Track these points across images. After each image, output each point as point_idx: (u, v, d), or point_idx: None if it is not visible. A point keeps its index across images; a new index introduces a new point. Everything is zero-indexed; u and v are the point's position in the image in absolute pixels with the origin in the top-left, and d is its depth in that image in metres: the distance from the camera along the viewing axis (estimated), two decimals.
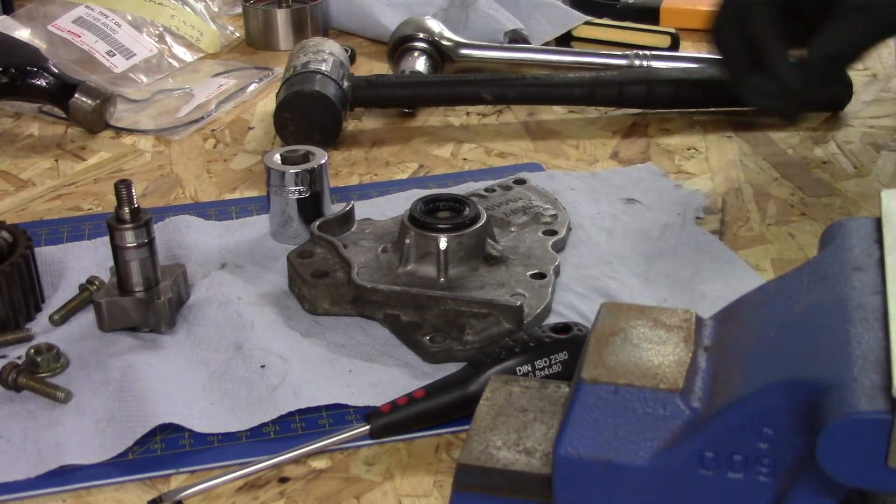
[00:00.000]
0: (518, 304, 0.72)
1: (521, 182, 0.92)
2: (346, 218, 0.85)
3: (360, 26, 1.39)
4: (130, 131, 1.12)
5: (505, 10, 1.33)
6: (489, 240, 0.79)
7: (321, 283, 0.77)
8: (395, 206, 0.92)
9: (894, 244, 0.48)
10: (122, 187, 0.73)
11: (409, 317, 0.74)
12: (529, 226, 0.85)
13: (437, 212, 0.80)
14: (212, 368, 0.72)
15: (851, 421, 0.40)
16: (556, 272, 0.80)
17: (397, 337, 0.75)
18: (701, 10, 1.38)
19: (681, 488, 0.47)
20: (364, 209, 0.90)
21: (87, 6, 1.31)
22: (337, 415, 0.68)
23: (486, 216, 0.79)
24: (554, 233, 0.84)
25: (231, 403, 0.69)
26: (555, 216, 0.87)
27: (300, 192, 0.85)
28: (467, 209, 0.79)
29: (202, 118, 1.14)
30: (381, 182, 0.99)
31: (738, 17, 0.88)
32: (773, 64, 0.86)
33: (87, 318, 0.78)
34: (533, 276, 0.78)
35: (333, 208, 0.88)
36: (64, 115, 1.11)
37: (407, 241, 0.78)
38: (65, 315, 0.78)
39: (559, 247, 0.83)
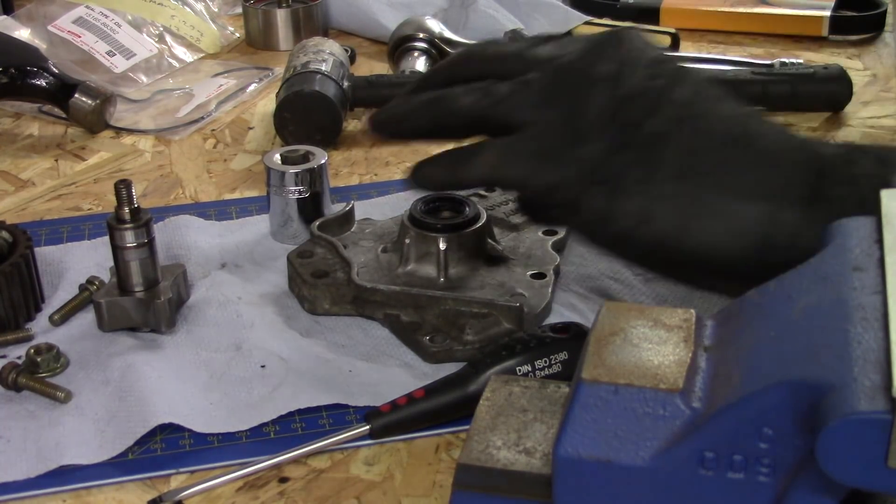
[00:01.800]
0: (518, 304, 0.72)
1: None
2: (346, 218, 0.85)
3: (360, 26, 1.39)
4: (130, 131, 1.12)
5: (505, 10, 1.33)
6: (489, 240, 0.79)
7: (321, 283, 0.77)
8: (395, 206, 0.92)
9: (894, 244, 0.48)
10: (122, 187, 0.73)
11: (409, 317, 0.74)
12: (529, 226, 0.85)
13: (437, 212, 0.80)
14: (212, 368, 0.72)
15: (851, 421, 0.40)
16: (556, 272, 0.80)
17: (397, 337, 0.75)
18: (701, 10, 1.39)
19: (681, 488, 0.47)
20: (364, 209, 0.90)
21: (87, 6, 1.31)
22: (337, 415, 0.68)
23: (486, 216, 0.79)
24: (554, 233, 0.84)
25: (231, 403, 0.69)
26: None
27: (300, 192, 0.85)
28: (467, 209, 0.79)
29: (202, 118, 1.14)
30: (381, 182, 0.99)
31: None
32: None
33: (87, 318, 0.78)
34: (533, 276, 0.78)
35: (333, 208, 0.88)
36: (64, 115, 1.11)
37: (407, 241, 0.78)
38: (65, 315, 0.78)
39: (559, 247, 0.83)
